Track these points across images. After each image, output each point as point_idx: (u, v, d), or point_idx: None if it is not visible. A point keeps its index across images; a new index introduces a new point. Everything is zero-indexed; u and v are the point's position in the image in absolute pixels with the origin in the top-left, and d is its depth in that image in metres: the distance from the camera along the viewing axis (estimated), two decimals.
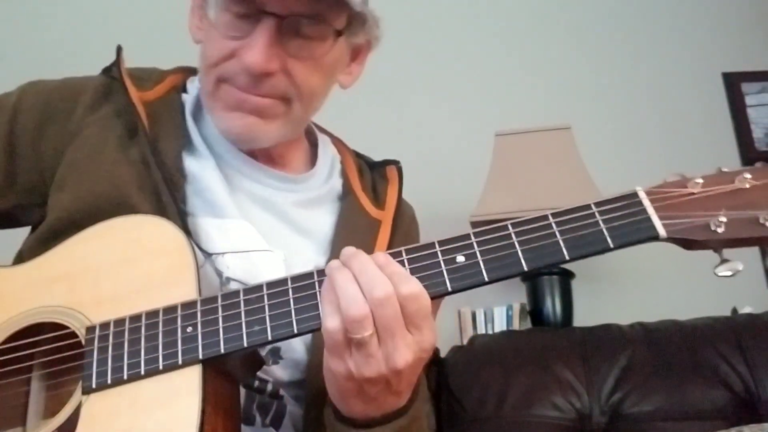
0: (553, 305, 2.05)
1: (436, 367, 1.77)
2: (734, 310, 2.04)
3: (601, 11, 2.67)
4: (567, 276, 2.09)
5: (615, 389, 1.64)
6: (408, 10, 2.57)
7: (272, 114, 0.93)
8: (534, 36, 2.64)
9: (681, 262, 2.23)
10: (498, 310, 2.14)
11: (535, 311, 2.08)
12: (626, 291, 2.32)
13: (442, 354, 1.83)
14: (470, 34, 2.63)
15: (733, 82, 2.55)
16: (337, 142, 1.12)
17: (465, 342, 1.92)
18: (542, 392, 1.64)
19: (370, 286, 0.70)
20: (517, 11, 2.67)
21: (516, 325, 2.11)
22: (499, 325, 2.12)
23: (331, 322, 0.70)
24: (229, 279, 0.90)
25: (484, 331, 2.11)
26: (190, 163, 0.96)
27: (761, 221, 0.72)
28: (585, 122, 2.25)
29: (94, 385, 0.76)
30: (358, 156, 1.12)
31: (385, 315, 0.69)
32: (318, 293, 0.75)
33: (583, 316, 2.08)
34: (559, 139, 2.10)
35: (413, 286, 0.71)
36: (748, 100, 2.54)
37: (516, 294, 2.18)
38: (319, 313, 0.74)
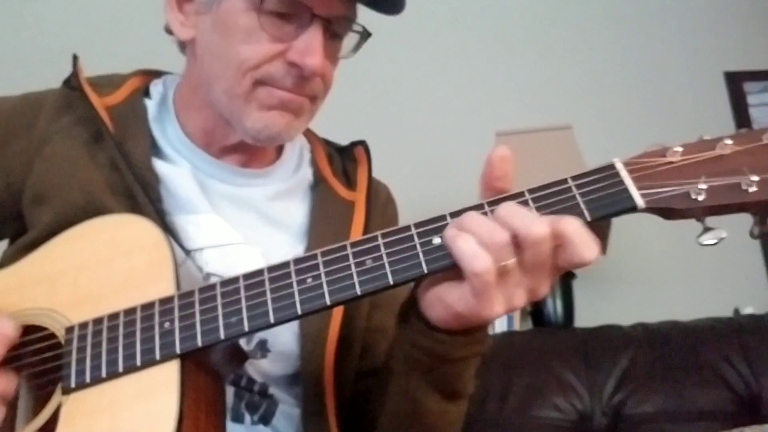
0: (554, 306, 2.05)
1: None
2: (736, 311, 2.04)
3: (602, 10, 2.67)
4: (568, 276, 2.09)
5: (616, 390, 1.63)
6: (408, 9, 2.57)
7: (304, 111, 0.94)
8: (535, 35, 2.64)
9: (683, 262, 2.24)
10: None
11: (536, 312, 2.08)
12: (628, 291, 2.31)
13: None
14: (471, 33, 2.63)
15: (736, 82, 2.55)
16: (305, 131, 1.11)
17: None
18: (543, 393, 1.64)
19: (528, 225, 0.67)
20: (518, 10, 2.67)
21: (517, 326, 2.11)
22: (500, 326, 2.12)
23: (480, 263, 0.67)
24: (209, 274, 0.90)
25: None
26: (160, 165, 0.95)
27: (743, 187, 0.69)
28: (586, 122, 2.25)
29: (73, 385, 0.76)
30: (327, 143, 1.12)
31: (541, 251, 0.67)
32: (294, 282, 0.74)
33: (585, 317, 2.08)
34: (561, 139, 2.10)
35: (571, 221, 0.69)
36: (751, 99, 2.53)
37: None
38: (294, 301, 0.74)
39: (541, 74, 2.57)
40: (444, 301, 0.72)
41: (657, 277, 2.31)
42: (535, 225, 0.67)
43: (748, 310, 1.99)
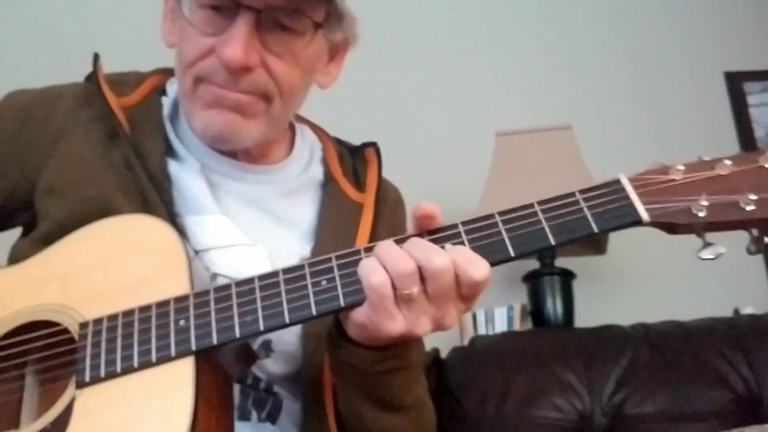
0: (554, 306, 2.05)
1: (436, 367, 1.77)
2: (736, 311, 2.04)
3: (602, 10, 2.67)
4: (568, 276, 2.09)
5: (616, 390, 1.63)
6: (408, 10, 2.57)
7: (252, 111, 0.91)
8: (535, 35, 2.65)
9: (683, 262, 2.23)
10: (499, 310, 2.13)
11: (536, 312, 2.08)
12: (628, 291, 2.32)
13: (443, 354, 1.83)
14: (471, 34, 2.63)
15: (735, 82, 2.55)
16: (317, 130, 1.12)
17: (466, 343, 1.91)
18: (543, 393, 1.64)
19: (429, 257, 0.71)
20: (518, 11, 2.67)
21: (517, 326, 2.11)
22: (500, 326, 2.12)
23: (376, 277, 0.71)
24: (216, 275, 0.91)
25: (484, 332, 2.11)
26: (173, 166, 0.96)
27: (741, 205, 0.73)
28: (586, 122, 2.25)
29: (87, 379, 0.76)
30: (338, 142, 1.12)
31: (444, 282, 0.71)
32: (309, 284, 0.76)
33: (585, 317, 2.08)
34: (561, 139, 2.10)
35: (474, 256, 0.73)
36: (750, 99, 2.54)
37: (517, 294, 2.18)
38: (309, 302, 0.75)
39: (541, 74, 2.57)
40: (349, 315, 0.75)
41: (657, 278, 2.31)
42: (436, 257, 0.71)
43: (748, 310, 1.99)
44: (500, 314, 2.13)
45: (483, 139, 2.20)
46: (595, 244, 2.19)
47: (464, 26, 2.64)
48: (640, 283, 2.32)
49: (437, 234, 0.76)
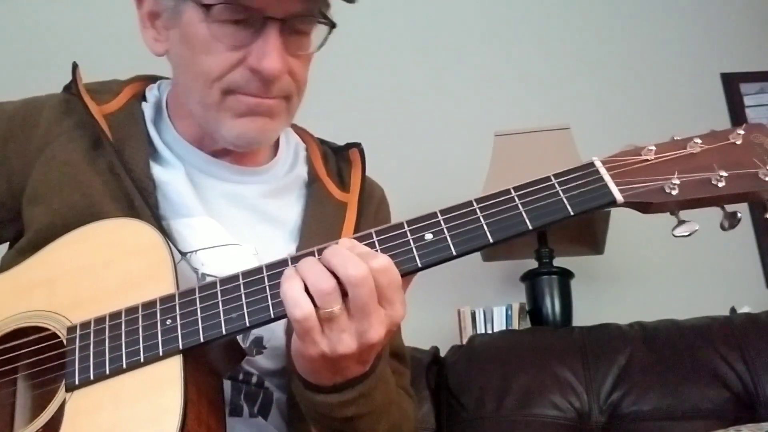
0: (552, 305, 2.06)
1: (436, 366, 1.78)
2: (732, 310, 2.04)
3: (600, 12, 2.68)
4: (566, 276, 2.10)
5: (614, 388, 1.64)
6: (408, 10, 2.58)
7: (277, 112, 0.95)
8: (533, 36, 2.65)
9: (680, 261, 2.25)
10: (497, 309, 2.14)
11: (534, 311, 2.09)
12: (625, 291, 2.33)
13: (442, 353, 1.84)
14: (470, 34, 2.64)
15: (732, 83, 2.56)
16: (300, 131, 1.13)
17: (465, 341, 1.92)
18: (541, 391, 1.65)
19: (345, 267, 0.72)
20: (517, 11, 2.68)
21: (515, 325, 2.12)
22: (499, 325, 2.13)
23: (299, 311, 0.72)
24: (204, 275, 0.92)
25: (483, 331, 2.12)
26: (157, 170, 0.97)
27: (713, 182, 0.75)
28: (584, 122, 2.26)
29: (77, 382, 0.77)
30: (322, 143, 1.13)
31: (361, 294, 0.71)
32: None
33: (582, 316, 2.09)
34: (559, 140, 2.11)
35: (382, 260, 0.73)
36: (747, 100, 2.55)
37: (515, 294, 2.19)
38: None
39: (539, 75, 2.58)
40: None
41: (654, 277, 2.32)
42: (352, 267, 0.71)
43: (744, 309, 1.99)
44: (499, 313, 2.14)
45: (481, 140, 2.21)
46: (593, 244, 2.21)
47: (463, 28, 2.65)
48: (637, 283, 2.33)
49: (417, 223, 0.77)
